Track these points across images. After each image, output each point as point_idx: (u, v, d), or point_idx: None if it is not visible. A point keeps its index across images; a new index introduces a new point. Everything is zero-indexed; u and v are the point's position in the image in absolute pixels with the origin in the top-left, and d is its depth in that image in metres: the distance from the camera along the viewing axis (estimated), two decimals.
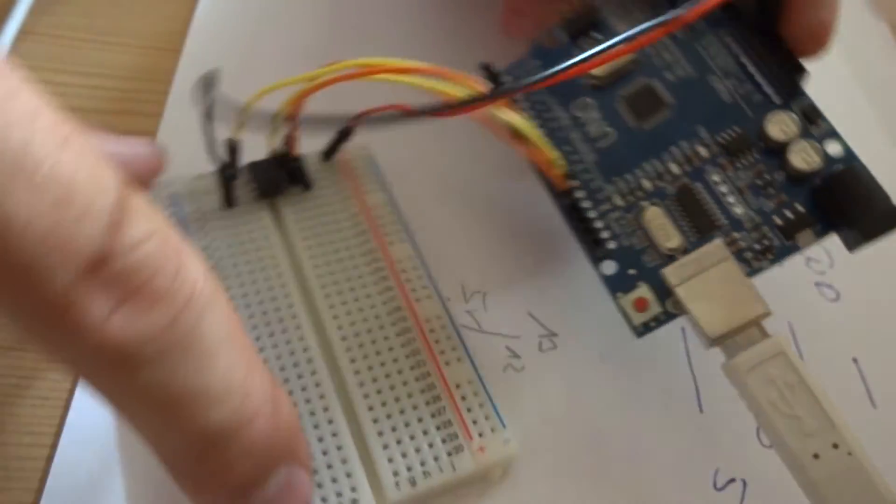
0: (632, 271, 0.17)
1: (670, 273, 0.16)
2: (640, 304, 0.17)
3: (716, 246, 0.15)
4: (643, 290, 0.16)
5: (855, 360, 0.18)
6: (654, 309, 0.16)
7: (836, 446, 0.14)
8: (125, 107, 0.22)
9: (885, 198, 0.15)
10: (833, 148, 0.16)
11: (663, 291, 0.16)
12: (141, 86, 0.22)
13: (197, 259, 0.12)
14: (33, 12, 0.23)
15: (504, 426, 0.16)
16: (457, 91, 0.14)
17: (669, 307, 0.16)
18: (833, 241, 0.16)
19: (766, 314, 0.15)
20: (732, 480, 0.17)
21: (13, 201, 0.09)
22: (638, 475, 0.17)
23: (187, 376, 0.11)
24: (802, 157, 0.16)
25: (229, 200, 0.18)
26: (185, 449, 0.12)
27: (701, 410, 0.18)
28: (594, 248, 0.17)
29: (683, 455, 0.17)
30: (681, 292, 0.15)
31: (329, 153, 0.19)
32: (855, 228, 0.15)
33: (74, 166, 0.10)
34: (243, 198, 0.19)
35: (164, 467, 0.13)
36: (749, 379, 0.14)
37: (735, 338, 0.15)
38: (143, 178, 0.18)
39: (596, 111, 0.18)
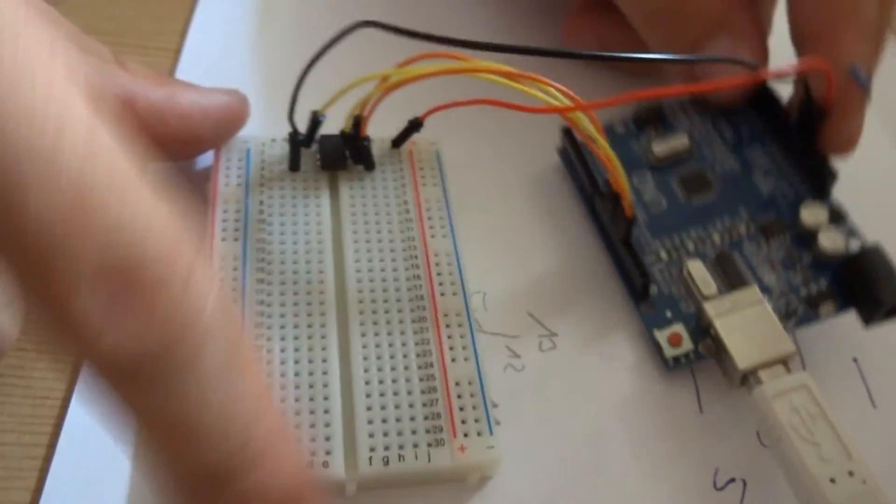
0: (668, 313, 0.19)
1: (710, 307, 0.17)
2: (675, 340, 0.18)
3: (752, 290, 0.17)
4: (678, 328, 0.18)
5: (855, 360, 0.19)
6: (687, 346, 0.18)
7: (851, 474, 0.15)
8: None
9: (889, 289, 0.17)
10: (854, 244, 0.19)
11: (697, 334, 0.18)
12: None
13: (208, 278, 0.11)
14: None
15: (491, 433, 0.16)
16: (543, 95, 0.17)
17: (701, 349, 0.18)
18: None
19: (793, 354, 0.17)
20: (732, 480, 0.17)
21: (34, 191, 0.09)
22: (638, 475, 0.17)
23: (183, 408, 0.11)
24: (830, 242, 0.18)
25: (294, 165, 0.20)
26: (183, 477, 0.12)
27: (701, 410, 0.18)
28: (639, 283, 0.19)
29: (683, 455, 0.17)
30: (718, 325, 0.17)
31: (398, 141, 0.20)
32: (871, 307, 0.17)
33: (93, 169, 0.10)
34: (308, 166, 0.20)
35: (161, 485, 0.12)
36: (775, 404, 0.16)
37: (761, 372, 0.16)
38: (229, 126, 0.19)
39: (652, 183, 0.21)
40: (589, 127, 0.17)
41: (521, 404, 0.18)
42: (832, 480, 0.15)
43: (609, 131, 0.22)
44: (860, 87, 0.18)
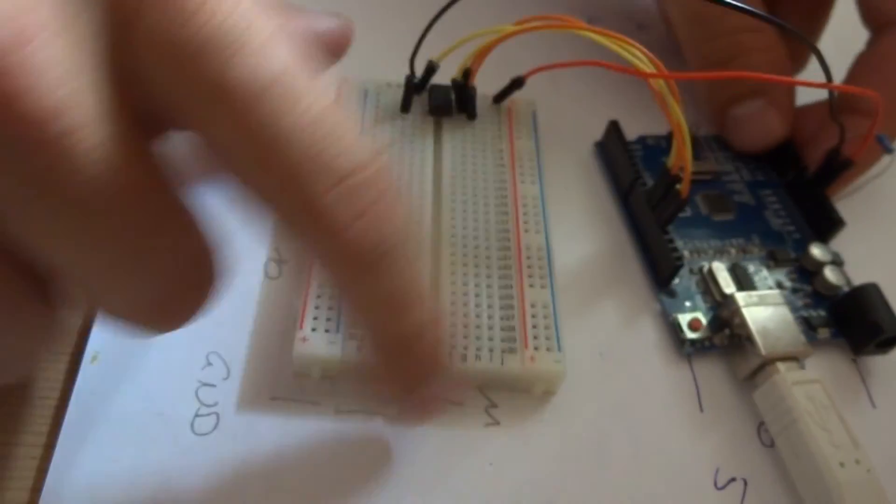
0: (688, 303, 0.19)
1: (740, 297, 0.18)
2: (695, 325, 0.19)
3: (776, 293, 0.19)
4: (699, 315, 0.19)
5: (854, 361, 0.20)
6: (705, 332, 0.19)
7: (858, 462, 0.16)
8: None
9: (885, 318, 0.19)
10: (852, 283, 0.20)
11: (712, 326, 0.19)
12: None
13: None
14: None
15: (560, 350, 0.17)
16: (636, 60, 0.18)
17: (716, 341, 0.19)
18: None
19: (809, 353, 0.18)
20: (733, 479, 0.17)
21: (294, 115, 0.11)
22: (638, 475, 0.17)
23: (401, 282, 0.13)
24: (834, 277, 0.20)
25: (405, 107, 0.21)
26: (394, 342, 0.14)
27: (701, 410, 0.18)
28: (671, 267, 0.19)
29: (683, 455, 0.17)
30: (745, 313, 0.18)
31: (500, 97, 0.22)
32: (865, 337, 0.19)
33: (330, 100, 0.12)
34: (417, 109, 0.22)
35: (375, 350, 0.15)
36: (794, 390, 0.17)
37: (779, 363, 0.17)
38: (338, 50, 0.20)
39: None
40: (668, 96, 0.18)
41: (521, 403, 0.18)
42: (841, 464, 0.16)
43: (642, 142, 0.23)
44: (883, 150, 0.20)
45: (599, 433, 0.17)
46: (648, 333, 0.19)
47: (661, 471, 0.17)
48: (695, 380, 0.19)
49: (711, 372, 0.19)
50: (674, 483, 0.17)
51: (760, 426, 0.18)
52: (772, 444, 0.17)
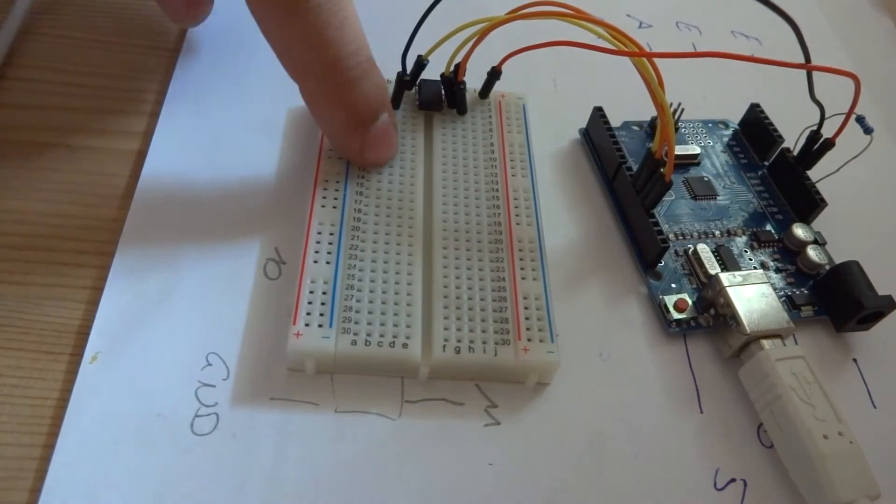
0: (674, 285, 0.20)
1: (724, 277, 0.19)
2: (682, 305, 0.19)
3: (759, 272, 0.19)
4: (684, 296, 0.19)
5: (855, 361, 0.20)
6: (690, 313, 0.19)
7: (841, 434, 0.16)
8: (124, 106, 0.22)
9: (867, 294, 0.19)
10: (834, 261, 0.21)
11: (698, 307, 0.19)
12: (140, 85, 0.23)
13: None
14: (33, 12, 0.23)
15: (553, 341, 0.17)
16: (616, 43, 0.18)
17: (701, 321, 0.19)
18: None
19: (792, 331, 0.18)
20: (733, 480, 0.17)
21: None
22: (638, 475, 0.17)
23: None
24: (816, 256, 0.20)
25: (396, 103, 0.21)
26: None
27: (701, 411, 0.18)
28: (657, 249, 0.20)
29: (683, 455, 0.17)
30: (730, 292, 0.18)
31: (484, 92, 0.22)
32: (847, 314, 0.19)
33: None
34: (407, 105, 0.22)
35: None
36: (778, 366, 0.17)
37: (763, 340, 0.18)
38: None
39: None
40: (651, 75, 0.18)
41: (522, 404, 0.18)
42: (825, 437, 0.16)
43: (626, 128, 0.24)
44: (864, 130, 0.21)
45: (599, 433, 0.17)
46: (636, 316, 0.20)
47: (661, 471, 0.17)
48: (695, 381, 0.19)
49: (697, 351, 0.19)
50: (673, 483, 0.17)
51: (760, 427, 0.18)
52: (771, 445, 0.18)
